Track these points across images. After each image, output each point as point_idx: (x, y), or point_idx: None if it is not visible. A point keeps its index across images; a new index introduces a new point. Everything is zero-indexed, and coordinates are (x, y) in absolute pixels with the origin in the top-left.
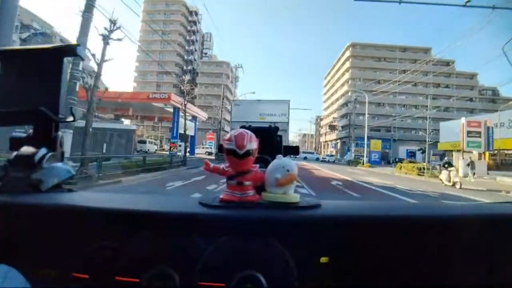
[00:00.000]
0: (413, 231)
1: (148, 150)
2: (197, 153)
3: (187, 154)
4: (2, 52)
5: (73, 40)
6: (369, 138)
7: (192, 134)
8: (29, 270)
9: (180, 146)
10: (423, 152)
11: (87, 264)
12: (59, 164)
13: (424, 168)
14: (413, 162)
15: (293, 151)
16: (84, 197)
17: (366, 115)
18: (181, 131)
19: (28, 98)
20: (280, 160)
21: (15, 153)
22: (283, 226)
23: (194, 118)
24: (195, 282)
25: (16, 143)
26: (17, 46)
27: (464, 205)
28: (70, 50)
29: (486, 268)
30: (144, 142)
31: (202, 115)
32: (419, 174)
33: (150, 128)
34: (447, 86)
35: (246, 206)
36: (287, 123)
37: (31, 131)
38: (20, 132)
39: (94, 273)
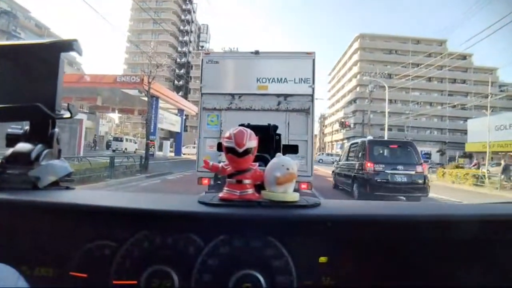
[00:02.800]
0: (413, 231)
1: (126, 149)
2: (186, 154)
3: (172, 154)
4: None
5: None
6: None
7: (178, 130)
8: (26, 268)
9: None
10: (442, 154)
11: (85, 263)
12: (56, 161)
13: (483, 177)
14: (460, 167)
15: (292, 150)
16: (82, 195)
17: (387, 109)
18: (167, 127)
19: (24, 94)
20: (279, 158)
21: (11, 150)
22: (282, 225)
23: (181, 111)
24: (193, 281)
25: (12, 140)
26: (12, 41)
27: (465, 205)
28: (67, 46)
29: (487, 269)
30: (120, 139)
31: (192, 109)
32: (476, 185)
33: (139, 126)
34: (464, 82)
35: (246, 204)
36: (312, 95)
37: (27, 127)
38: (16, 128)
39: (92, 272)
